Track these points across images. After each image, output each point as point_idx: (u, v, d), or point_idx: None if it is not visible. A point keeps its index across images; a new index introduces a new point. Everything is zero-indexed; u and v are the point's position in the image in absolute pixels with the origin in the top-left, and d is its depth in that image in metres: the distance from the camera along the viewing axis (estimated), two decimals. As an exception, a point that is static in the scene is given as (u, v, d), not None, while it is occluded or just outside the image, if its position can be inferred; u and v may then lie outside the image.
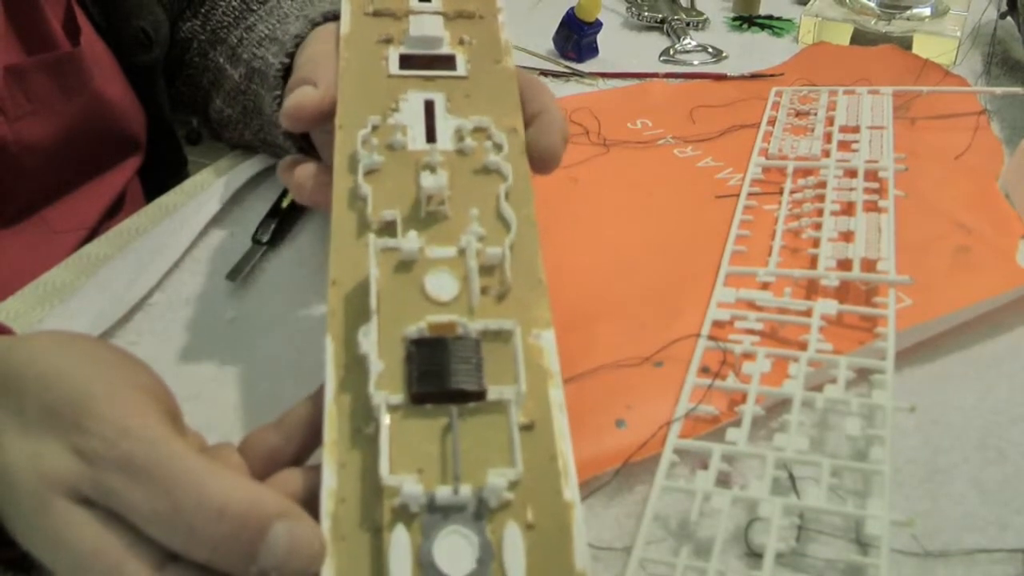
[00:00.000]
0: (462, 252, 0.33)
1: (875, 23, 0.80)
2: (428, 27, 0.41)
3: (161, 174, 0.67)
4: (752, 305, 0.47)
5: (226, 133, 0.63)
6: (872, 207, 0.53)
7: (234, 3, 0.62)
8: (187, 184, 0.60)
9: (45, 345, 0.31)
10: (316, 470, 0.29)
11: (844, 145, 0.60)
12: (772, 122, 0.65)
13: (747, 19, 0.87)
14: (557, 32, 0.79)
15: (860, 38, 0.80)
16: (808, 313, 0.45)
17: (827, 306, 0.45)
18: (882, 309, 0.45)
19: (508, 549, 0.27)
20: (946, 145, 0.61)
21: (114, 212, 0.63)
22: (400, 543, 0.26)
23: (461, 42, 0.41)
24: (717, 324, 0.45)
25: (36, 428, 0.28)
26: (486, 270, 0.32)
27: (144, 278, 0.50)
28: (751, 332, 0.45)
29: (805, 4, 0.85)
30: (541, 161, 0.37)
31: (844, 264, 0.48)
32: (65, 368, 0.29)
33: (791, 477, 0.37)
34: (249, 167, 0.60)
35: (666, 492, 0.38)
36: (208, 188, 0.59)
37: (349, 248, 0.33)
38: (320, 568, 0.26)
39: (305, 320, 0.48)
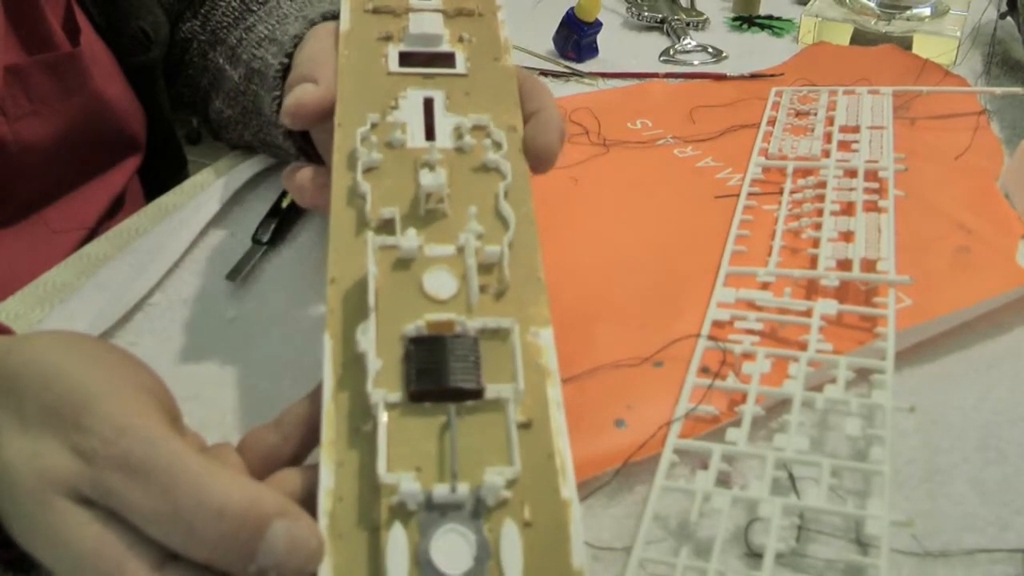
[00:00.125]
0: (461, 250, 0.33)
1: (875, 23, 0.80)
2: (428, 25, 0.41)
3: (161, 174, 0.67)
4: (752, 305, 0.46)
5: (226, 134, 0.63)
6: (872, 207, 0.53)
7: (234, 4, 0.62)
8: (187, 184, 0.60)
9: (45, 345, 0.31)
10: (314, 469, 0.29)
11: (844, 145, 0.60)
12: (772, 122, 0.65)
13: (747, 19, 0.87)
14: (557, 32, 0.79)
15: (860, 38, 0.80)
16: (808, 313, 0.45)
17: (827, 306, 0.45)
18: (882, 309, 0.45)
19: (505, 547, 0.27)
20: (946, 145, 0.61)
21: (114, 212, 0.63)
22: (398, 541, 0.26)
23: (461, 40, 0.41)
24: (717, 324, 0.45)
25: (36, 427, 0.28)
26: (485, 268, 0.32)
27: (144, 278, 0.50)
28: (751, 332, 0.45)
29: (805, 4, 0.85)
30: (537, 159, 0.37)
31: (844, 264, 0.48)
32: (65, 367, 0.29)
33: (791, 477, 0.37)
34: (249, 167, 0.60)
35: (666, 492, 0.38)
36: (208, 188, 0.59)
37: (348, 246, 0.33)
38: (318, 566, 0.26)
39: (305, 320, 0.48)
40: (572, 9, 0.77)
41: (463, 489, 0.27)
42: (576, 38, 0.78)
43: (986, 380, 0.44)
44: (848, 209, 0.53)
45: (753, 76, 0.73)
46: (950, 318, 0.46)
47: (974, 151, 0.60)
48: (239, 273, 0.51)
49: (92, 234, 0.59)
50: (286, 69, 0.50)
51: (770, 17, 0.88)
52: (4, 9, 0.54)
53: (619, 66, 0.77)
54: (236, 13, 0.62)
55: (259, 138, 0.58)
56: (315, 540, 0.26)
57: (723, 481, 0.38)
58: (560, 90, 0.72)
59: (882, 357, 0.42)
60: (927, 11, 0.81)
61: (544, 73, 0.75)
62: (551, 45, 0.80)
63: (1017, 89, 0.67)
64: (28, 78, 0.54)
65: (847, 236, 0.50)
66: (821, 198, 0.54)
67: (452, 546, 0.26)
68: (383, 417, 0.28)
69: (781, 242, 0.51)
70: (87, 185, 0.61)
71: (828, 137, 0.61)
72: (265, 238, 0.53)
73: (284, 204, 0.56)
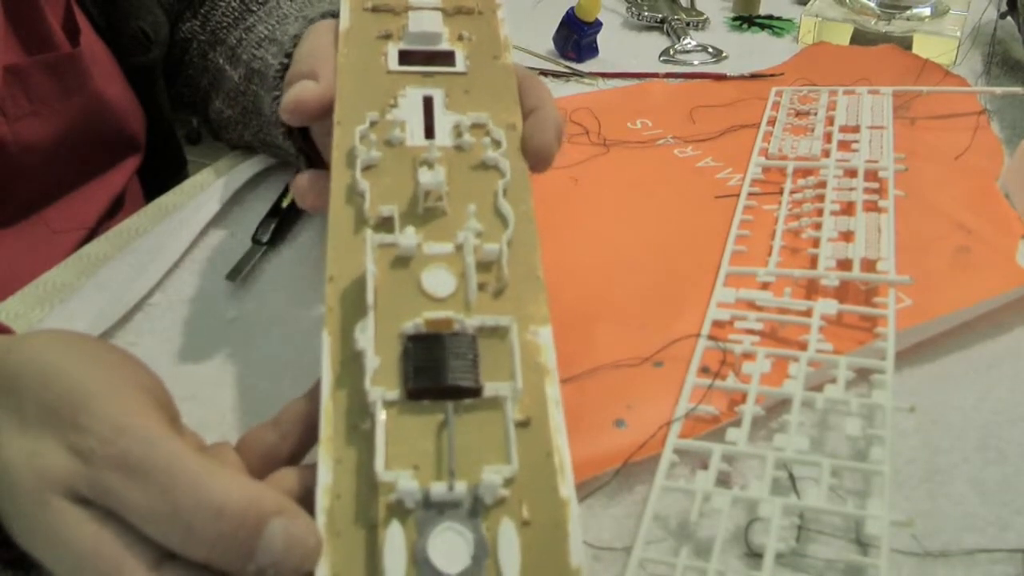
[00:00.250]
0: (459, 248, 0.33)
1: (875, 23, 0.80)
2: (427, 23, 0.41)
3: (161, 174, 0.67)
4: (752, 305, 0.46)
5: (226, 134, 0.63)
6: (872, 207, 0.53)
7: (233, 4, 0.62)
8: (187, 184, 0.60)
9: (44, 344, 0.31)
10: (312, 469, 0.29)
11: (844, 145, 0.60)
12: (772, 122, 0.65)
13: (747, 19, 0.87)
14: (557, 32, 0.79)
15: (860, 38, 0.80)
16: (808, 313, 0.45)
17: (827, 306, 0.45)
18: (882, 309, 0.45)
19: (503, 546, 0.27)
20: (946, 145, 0.61)
21: (114, 212, 0.63)
22: (395, 539, 0.26)
23: (460, 38, 0.41)
24: (717, 324, 0.45)
25: (34, 427, 0.28)
26: (483, 266, 0.32)
27: (144, 278, 0.50)
28: (751, 332, 0.45)
29: (805, 4, 0.85)
30: (535, 158, 0.37)
31: (844, 264, 0.48)
32: (64, 367, 0.29)
33: (791, 477, 0.37)
34: (249, 167, 0.60)
35: (666, 492, 0.38)
36: (208, 188, 0.59)
37: (346, 244, 0.33)
38: (316, 565, 0.26)
39: (305, 320, 0.48)
40: (572, 9, 0.77)
41: (461, 487, 0.27)
42: (576, 38, 0.78)
43: (986, 380, 0.44)
44: (848, 209, 0.53)
45: (753, 76, 0.73)
46: (950, 318, 0.46)
47: (974, 151, 0.60)
48: (239, 273, 0.51)
49: (92, 234, 0.59)
50: (286, 69, 0.50)
51: (770, 17, 0.88)
52: (4, 9, 0.54)
53: (619, 66, 0.77)
54: (236, 13, 0.62)
55: (259, 138, 0.58)
56: (313, 538, 0.26)
57: (723, 481, 0.38)
58: (560, 90, 0.72)
59: (882, 357, 0.42)
60: (927, 11, 0.81)
61: (544, 73, 0.75)
62: (551, 45, 0.80)
63: (1017, 89, 0.67)
64: (28, 78, 0.54)
65: (847, 236, 0.50)
66: (821, 198, 0.54)
67: (450, 545, 0.26)
68: (381, 415, 0.28)
69: (781, 242, 0.51)
70: (87, 185, 0.61)
71: (828, 137, 0.61)
72: (265, 238, 0.53)
73: (284, 204, 0.56)
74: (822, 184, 0.55)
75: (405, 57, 0.40)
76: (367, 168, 0.35)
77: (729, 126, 0.65)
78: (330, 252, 0.33)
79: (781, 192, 0.56)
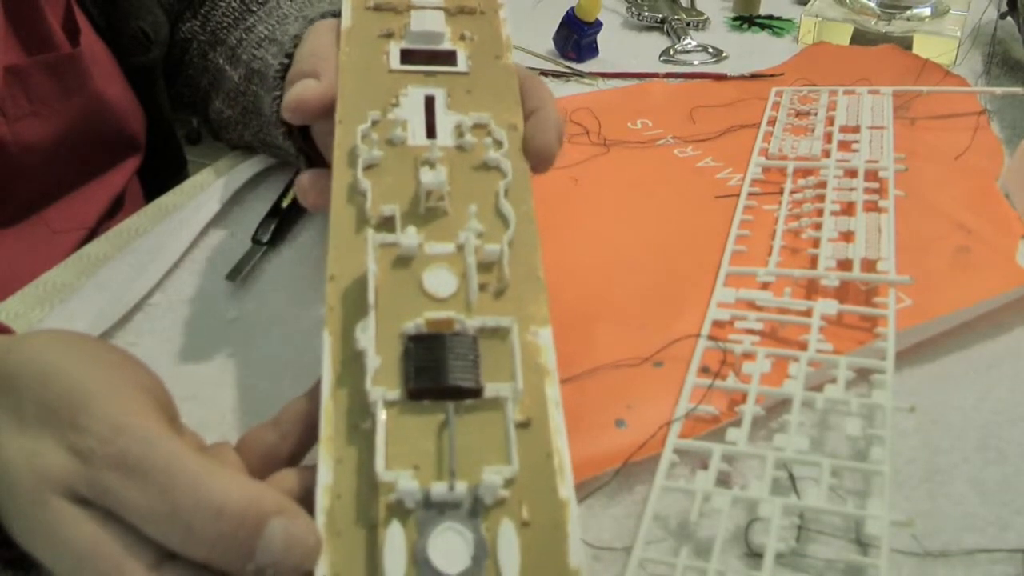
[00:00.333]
0: (461, 248, 0.33)
1: (875, 23, 0.80)
2: (429, 22, 0.41)
3: (161, 174, 0.67)
4: (752, 305, 0.46)
5: (226, 134, 0.63)
6: (872, 207, 0.53)
7: (234, 4, 0.62)
8: (187, 184, 0.60)
9: (44, 344, 0.31)
10: (312, 470, 0.29)
11: (844, 145, 0.60)
12: (772, 122, 0.65)
13: (747, 19, 0.87)
14: (557, 32, 0.79)
15: (860, 38, 0.80)
16: (808, 313, 0.45)
17: (827, 306, 0.45)
18: (882, 309, 0.45)
19: (503, 547, 0.27)
20: (946, 145, 0.61)
21: (114, 212, 0.63)
22: (395, 539, 0.26)
23: (462, 38, 0.41)
24: (717, 324, 0.45)
25: (33, 426, 0.28)
26: (484, 267, 0.32)
27: (144, 278, 0.50)
28: (751, 332, 0.45)
29: (805, 4, 0.85)
30: (536, 158, 0.37)
31: (844, 264, 0.48)
32: (63, 367, 0.29)
33: (791, 477, 0.37)
34: (249, 167, 0.60)
35: (666, 492, 0.38)
36: (208, 188, 0.59)
37: (348, 243, 0.33)
38: (315, 564, 0.26)
39: (305, 320, 0.48)
40: (572, 9, 0.77)
41: (461, 488, 0.27)
42: (576, 38, 0.78)
43: (986, 380, 0.44)
44: (848, 209, 0.53)
45: (753, 76, 0.73)
46: (950, 318, 0.46)
47: (974, 151, 0.60)
48: (239, 273, 0.51)
49: (92, 234, 0.59)
50: (286, 69, 0.50)
51: (770, 17, 0.88)
52: (4, 9, 0.54)
53: (619, 66, 0.77)
54: (236, 13, 0.62)
55: (259, 138, 0.58)
56: (312, 538, 0.26)
57: (723, 481, 0.38)
58: (560, 90, 0.72)
59: (882, 357, 0.42)
60: (927, 11, 0.81)
61: (544, 73, 0.75)
62: (551, 45, 0.80)
63: (1017, 89, 0.67)
64: (28, 78, 0.54)
65: (847, 236, 0.50)
66: (821, 198, 0.54)
67: (450, 545, 0.26)
68: (381, 415, 0.28)
69: (781, 242, 0.51)
70: (87, 185, 0.61)
71: (828, 137, 0.61)
72: (265, 238, 0.53)
73: (284, 204, 0.56)
74: (822, 184, 0.55)
75: (407, 56, 0.40)
76: (369, 167, 0.35)
77: (729, 126, 0.65)
78: (331, 251, 0.33)
79: (781, 192, 0.56)
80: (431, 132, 0.37)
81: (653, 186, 0.58)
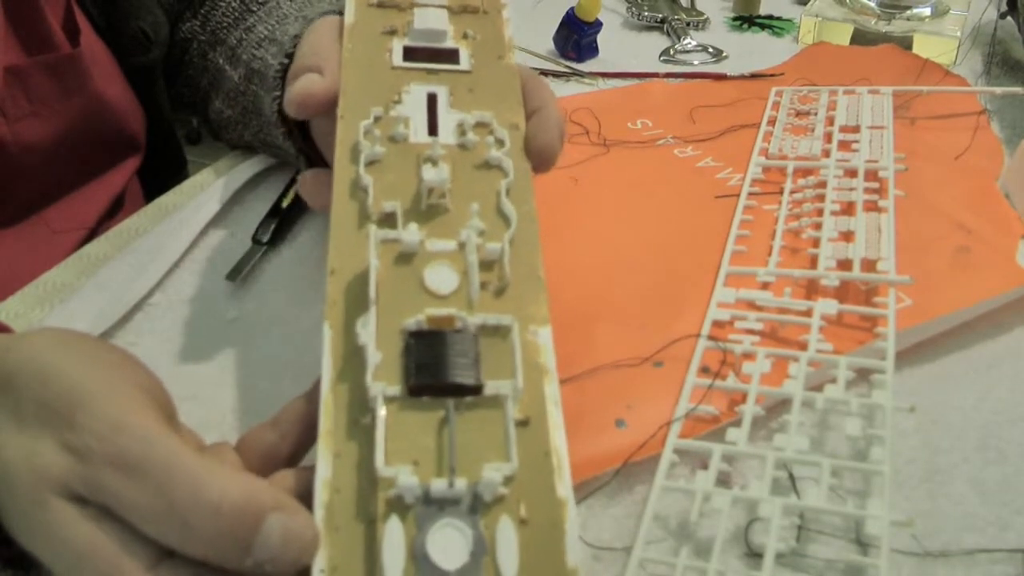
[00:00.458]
0: (462, 246, 0.33)
1: (875, 23, 0.80)
2: (432, 20, 0.41)
3: (161, 174, 0.67)
4: (752, 305, 0.46)
5: (226, 134, 0.63)
6: (872, 207, 0.53)
7: (233, 4, 0.62)
8: (187, 184, 0.60)
9: (43, 343, 0.31)
10: (310, 470, 0.29)
11: (844, 145, 0.60)
12: (772, 122, 0.65)
13: (747, 19, 0.87)
14: (557, 32, 0.79)
15: (860, 38, 0.80)
16: (808, 313, 0.45)
17: (827, 306, 0.45)
18: (882, 309, 0.45)
19: (501, 544, 0.27)
20: (946, 145, 0.61)
21: (114, 212, 0.63)
22: (394, 534, 0.26)
23: (465, 36, 0.41)
24: (717, 324, 0.45)
25: (32, 426, 0.28)
26: (485, 265, 0.32)
27: (144, 278, 0.50)
28: (751, 332, 0.45)
29: (805, 4, 0.85)
30: (538, 158, 0.37)
31: (844, 264, 0.48)
32: (61, 366, 0.29)
33: (791, 477, 0.37)
34: (249, 167, 0.60)
35: (666, 492, 0.38)
36: (208, 188, 0.59)
37: (349, 238, 0.33)
38: (313, 559, 0.26)
39: (305, 320, 0.48)
40: (572, 9, 0.77)
41: (461, 484, 0.27)
42: (576, 38, 0.78)
43: (986, 380, 0.44)
44: (848, 209, 0.53)
45: (753, 76, 0.73)
46: (950, 318, 0.46)
47: (974, 151, 0.60)
48: (239, 273, 0.51)
49: (92, 234, 0.59)
50: (286, 69, 0.50)
51: (770, 17, 0.88)
52: (4, 10, 0.54)
53: (619, 66, 0.77)
54: (236, 13, 0.62)
55: (259, 138, 0.58)
56: (310, 533, 0.26)
57: (723, 481, 0.38)
58: (560, 90, 0.72)
59: (882, 357, 0.42)
60: (927, 11, 0.81)
61: (544, 73, 0.75)
62: (551, 45, 0.80)
63: (1017, 89, 0.67)
64: (28, 79, 0.54)
65: (847, 236, 0.50)
66: (821, 198, 0.54)
67: (448, 541, 0.26)
68: (381, 410, 0.28)
69: (781, 242, 0.51)
70: (87, 185, 0.61)
71: (828, 137, 0.61)
72: (265, 238, 0.53)
73: (284, 204, 0.56)
74: (822, 184, 0.55)
75: (410, 54, 0.40)
76: (371, 163, 0.35)
77: (729, 126, 0.65)
78: (332, 246, 0.33)
79: (781, 192, 0.56)
80: (433, 130, 0.37)
81: (653, 186, 0.58)
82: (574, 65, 0.77)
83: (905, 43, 0.78)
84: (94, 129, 0.59)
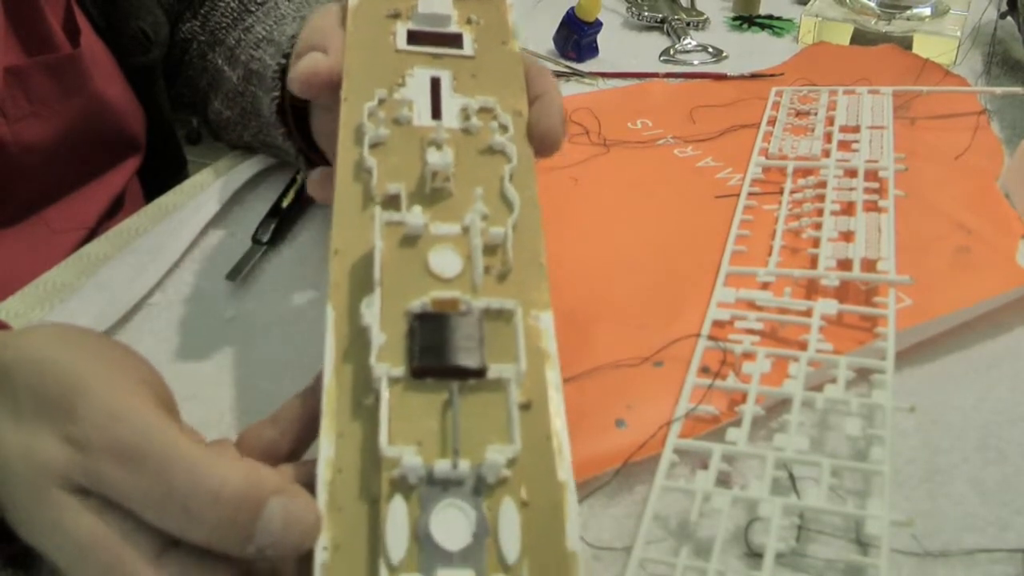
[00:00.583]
0: (466, 230, 0.33)
1: (875, 23, 0.80)
2: (437, 4, 0.41)
3: (161, 174, 0.67)
4: (752, 305, 0.46)
5: (225, 134, 0.63)
6: (872, 207, 0.53)
7: (232, 4, 0.62)
8: (187, 184, 0.60)
9: (40, 337, 0.31)
10: (310, 464, 0.29)
11: (844, 145, 0.60)
12: (772, 122, 0.65)
13: (747, 19, 0.87)
14: (557, 32, 0.79)
15: (860, 38, 0.80)
16: (808, 313, 0.45)
17: (827, 306, 0.45)
18: (882, 309, 0.45)
19: (504, 525, 0.27)
20: (946, 145, 0.61)
21: (114, 212, 0.63)
22: (398, 514, 0.26)
23: (469, 21, 0.41)
24: (717, 324, 0.45)
25: (30, 419, 0.28)
26: (488, 250, 0.32)
27: (144, 278, 0.50)
28: (751, 332, 0.45)
29: (805, 4, 0.85)
30: (542, 143, 0.37)
31: (844, 264, 0.48)
32: (59, 359, 0.29)
33: (791, 477, 0.37)
34: (249, 167, 0.60)
35: (666, 492, 0.38)
36: (208, 188, 0.59)
37: (353, 219, 0.33)
38: (315, 542, 0.26)
39: (305, 320, 0.48)
40: (572, 9, 0.77)
41: (464, 466, 0.27)
42: (576, 38, 0.78)
43: (986, 380, 0.44)
44: (848, 209, 0.53)
45: (753, 76, 0.73)
46: (950, 318, 0.46)
47: (974, 151, 0.60)
48: (239, 273, 0.51)
49: (92, 234, 0.59)
50: (284, 70, 0.50)
51: (770, 17, 0.88)
52: (4, 10, 0.54)
53: (619, 66, 0.77)
54: (235, 14, 0.62)
55: (259, 139, 0.58)
56: (312, 516, 0.26)
57: (723, 481, 0.38)
58: (560, 90, 0.72)
59: (882, 357, 0.42)
60: (927, 11, 0.81)
61: (544, 73, 0.75)
62: (551, 45, 0.80)
63: (1017, 89, 0.67)
64: (28, 79, 0.54)
65: (847, 236, 0.50)
66: (821, 198, 0.54)
67: (452, 521, 0.26)
68: (385, 391, 0.28)
69: (781, 242, 0.51)
70: (87, 185, 0.61)
71: (828, 137, 0.61)
72: (265, 238, 0.53)
73: (284, 204, 0.56)
74: (822, 184, 0.55)
75: (413, 37, 0.40)
76: (375, 145, 0.35)
77: (729, 126, 0.65)
78: (336, 226, 0.33)
79: (781, 192, 0.56)
80: (437, 113, 0.37)
81: (653, 186, 0.58)
82: (574, 65, 0.77)
83: (905, 43, 0.78)
84: (94, 129, 0.59)
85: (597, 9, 0.77)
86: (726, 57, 0.79)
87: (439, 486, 0.27)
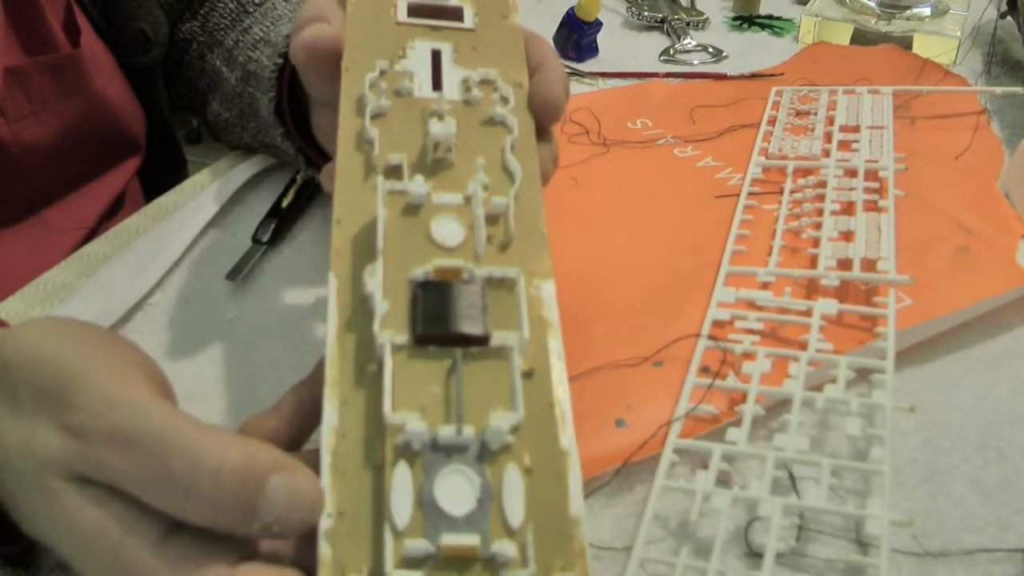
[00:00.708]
0: (468, 200, 0.33)
1: (875, 23, 0.80)
2: None
3: (161, 174, 0.67)
4: (752, 305, 0.46)
5: (225, 135, 0.63)
6: (872, 207, 0.53)
7: (231, 5, 0.62)
8: (186, 184, 0.60)
9: (36, 331, 0.31)
10: (313, 453, 0.29)
11: (844, 145, 0.60)
12: (772, 122, 0.65)
13: (747, 19, 0.87)
14: (557, 32, 0.79)
15: (860, 38, 0.80)
16: (808, 313, 0.45)
17: (827, 306, 0.45)
18: (882, 309, 0.45)
19: (508, 491, 0.27)
20: (946, 145, 0.61)
21: (114, 212, 0.63)
22: (402, 480, 0.26)
23: None
24: (717, 324, 0.45)
25: (28, 411, 0.28)
26: (490, 219, 0.33)
27: (144, 278, 0.50)
28: (751, 332, 0.45)
29: (805, 4, 0.85)
30: (544, 111, 0.37)
31: (844, 264, 0.48)
32: (55, 350, 0.29)
33: (791, 477, 0.37)
34: (248, 167, 0.60)
35: (666, 492, 0.38)
36: (208, 188, 0.59)
37: (355, 189, 0.33)
38: (319, 517, 0.26)
39: (305, 320, 0.48)
40: (572, 9, 0.77)
41: (468, 432, 0.27)
42: (576, 38, 0.78)
43: (986, 380, 0.44)
44: (848, 209, 0.53)
45: (753, 76, 0.73)
46: (950, 318, 0.46)
47: (974, 151, 0.60)
48: (239, 273, 0.51)
49: (92, 234, 0.59)
50: (280, 70, 0.50)
51: (770, 17, 0.88)
52: (4, 10, 0.54)
53: (619, 66, 0.77)
54: (233, 15, 0.62)
55: (258, 140, 0.58)
56: (315, 491, 0.26)
57: (723, 481, 0.38)
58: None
59: (882, 357, 0.42)
60: (927, 11, 0.81)
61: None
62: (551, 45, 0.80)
63: (1017, 89, 0.67)
64: (28, 79, 0.54)
65: (847, 236, 0.50)
66: (821, 198, 0.54)
67: (456, 487, 0.27)
68: (389, 359, 0.28)
69: (781, 242, 0.51)
70: (87, 185, 0.61)
71: (828, 137, 0.61)
72: (265, 238, 0.53)
73: (284, 204, 0.56)
74: (822, 184, 0.55)
75: (414, 10, 0.40)
76: (376, 116, 0.35)
77: (729, 126, 0.65)
78: (338, 196, 0.33)
79: (781, 192, 0.56)
80: (438, 85, 0.37)
81: (653, 186, 0.58)
82: (574, 65, 0.77)
83: (905, 43, 0.78)
84: (94, 129, 0.59)
85: (597, 9, 0.77)
86: (726, 57, 0.79)
87: (443, 452, 0.27)
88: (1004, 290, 0.47)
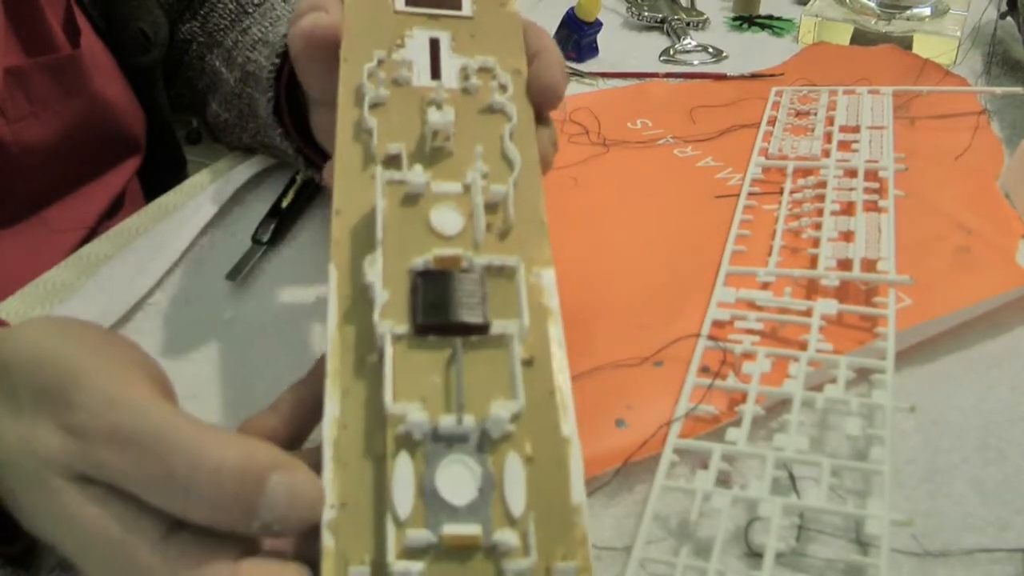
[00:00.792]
0: (467, 188, 0.33)
1: (875, 23, 0.80)
2: None
3: (161, 174, 0.67)
4: (752, 305, 0.46)
5: (224, 136, 0.63)
6: (872, 207, 0.53)
7: (230, 6, 0.62)
8: (186, 184, 0.60)
9: (36, 331, 0.31)
10: (313, 452, 0.29)
11: (844, 145, 0.60)
12: (772, 122, 0.65)
13: (747, 19, 0.87)
14: (557, 32, 0.79)
15: (860, 38, 0.80)
16: (808, 313, 0.45)
17: (827, 306, 0.45)
18: (882, 309, 0.45)
19: (509, 480, 0.27)
20: (946, 145, 0.61)
21: (114, 212, 0.63)
22: (404, 470, 0.26)
23: None
24: (717, 324, 0.45)
25: (28, 411, 0.28)
26: (490, 208, 0.32)
27: (144, 278, 0.50)
28: (751, 332, 0.45)
29: (805, 4, 0.85)
30: (544, 97, 0.37)
31: (844, 264, 0.48)
32: (55, 350, 0.29)
33: (791, 477, 0.37)
34: (248, 168, 0.60)
35: (666, 492, 0.38)
36: (207, 188, 0.59)
37: (354, 179, 0.33)
38: (320, 515, 0.26)
39: (305, 320, 0.48)
40: (572, 9, 0.77)
41: (469, 421, 0.27)
42: (576, 38, 0.78)
43: (986, 380, 0.44)
44: (848, 209, 0.53)
45: (753, 76, 0.73)
46: (950, 318, 0.46)
47: (974, 151, 0.60)
48: (239, 273, 0.51)
49: (92, 234, 0.59)
50: (278, 70, 0.50)
51: (770, 17, 0.88)
52: (4, 10, 0.54)
53: (619, 66, 0.77)
54: (232, 15, 0.62)
55: (257, 140, 0.58)
56: (315, 490, 0.26)
57: (723, 481, 0.38)
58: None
59: (882, 357, 0.42)
60: (927, 11, 0.81)
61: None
62: (551, 45, 0.80)
63: (1017, 89, 0.67)
64: (28, 80, 0.54)
65: (847, 236, 0.50)
66: (821, 198, 0.54)
67: (457, 477, 0.27)
68: (389, 348, 0.28)
69: (781, 242, 0.51)
70: (87, 185, 0.61)
71: (828, 137, 0.61)
72: (265, 238, 0.53)
73: (284, 204, 0.56)
74: (822, 184, 0.55)
75: None
76: (374, 106, 0.35)
77: (729, 126, 0.65)
78: (337, 186, 0.33)
79: (781, 192, 0.56)
80: (436, 74, 0.37)
81: (653, 186, 0.58)
82: (574, 65, 0.77)
83: (905, 43, 0.78)
84: (94, 129, 0.59)
85: (597, 9, 0.77)
86: (726, 57, 0.79)
87: (444, 442, 0.27)
88: (1004, 290, 0.47)
